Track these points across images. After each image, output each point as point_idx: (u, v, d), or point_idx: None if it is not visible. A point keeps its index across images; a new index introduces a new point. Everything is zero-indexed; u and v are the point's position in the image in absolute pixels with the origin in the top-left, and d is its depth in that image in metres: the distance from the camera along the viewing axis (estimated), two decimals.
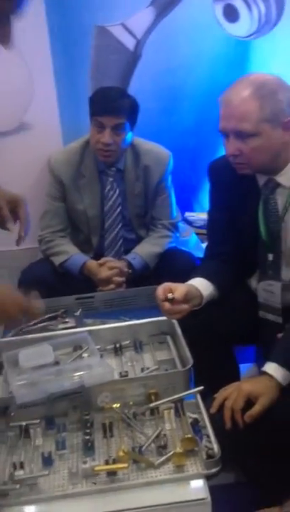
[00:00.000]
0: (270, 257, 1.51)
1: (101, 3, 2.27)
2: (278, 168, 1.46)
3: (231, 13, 2.36)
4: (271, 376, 1.24)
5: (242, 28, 2.38)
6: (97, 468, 1.07)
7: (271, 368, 1.25)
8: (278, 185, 1.48)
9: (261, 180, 1.51)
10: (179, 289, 1.44)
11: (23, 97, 2.33)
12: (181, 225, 2.27)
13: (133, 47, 2.36)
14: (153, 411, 1.22)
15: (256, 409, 1.19)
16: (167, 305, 1.42)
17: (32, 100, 2.34)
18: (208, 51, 2.39)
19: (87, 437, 1.15)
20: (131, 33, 2.33)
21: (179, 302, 1.43)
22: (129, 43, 2.35)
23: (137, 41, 2.35)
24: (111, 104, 1.87)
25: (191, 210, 2.61)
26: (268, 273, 1.52)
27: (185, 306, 1.45)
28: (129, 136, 1.95)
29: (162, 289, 1.44)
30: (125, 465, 1.06)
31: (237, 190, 1.54)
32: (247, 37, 2.40)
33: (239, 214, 1.55)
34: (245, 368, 1.94)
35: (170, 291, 1.43)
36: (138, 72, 2.38)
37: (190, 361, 1.29)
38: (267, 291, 1.53)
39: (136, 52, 2.36)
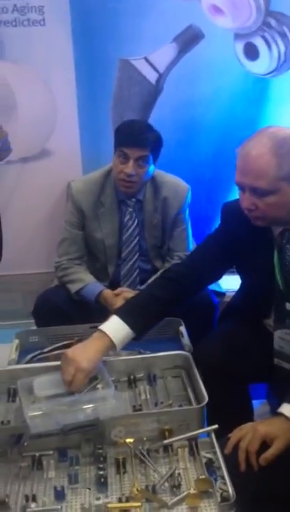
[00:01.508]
0: (288, 306, 1.48)
1: (126, 37, 2.33)
2: None
3: (251, 51, 2.42)
4: (287, 418, 1.23)
5: (261, 66, 2.43)
6: (110, 505, 1.06)
7: (288, 409, 1.24)
8: None
9: (277, 229, 1.49)
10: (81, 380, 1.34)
11: (47, 125, 2.40)
12: None
13: (155, 80, 2.41)
14: (167, 448, 1.21)
15: (272, 452, 1.18)
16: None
17: (54, 128, 2.40)
18: (227, 87, 2.44)
19: (101, 472, 1.15)
20: (153, 67, 2.39)
21: None
22: (151, 76, 2.41)
23: (159, 75, 2.41)
24: (137, 137, 1.90)
25: None
26: (285, 322, 1.50)
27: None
28: (152, 168, 1.98)
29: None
30: (138, 504, 1.06)
31: (249, 237, 1.52)
32: (266, 75, 2.45)
33: (251, 260, 1.54)
34: (256, 404, 1.93)
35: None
36: (158, 104, 2.44)
37: (205, 398, 1.29)
38: (284, 339, 1.50)
39: (157, 86, 2.42)
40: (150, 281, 1.97)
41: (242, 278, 1.69)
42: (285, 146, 1.33)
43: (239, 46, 2.40)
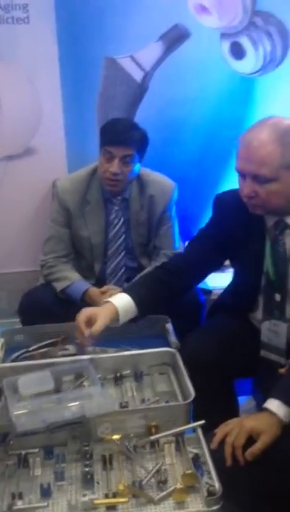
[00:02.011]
0: (277, 297, 1.50)
1: (111, 35, 2.33)
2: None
3: (237, 51, 2.43)
4: (273, 413, 1.24)
5: (247, 65, 2.45)
6: (96, 501, 1.06)
7: (274, 404, 1.24)
8: (287, 226, 1.49)
9: (270, 220, 1.51)
10: (97, 324, 1.44)
11: (31, 123, 2.38)
12: None
13: (141, 79, 2.41)
14: (154, 444, 1.21)
15: (258, 446, 1.18)
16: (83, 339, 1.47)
17: (39, 126, 2.39)
18: (213, 86, 2.45)
19: (87, 469, 1.14)
20: (139, 65, 2.39)
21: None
22: (137, 74, 2.40)
23: (145, 73, 2.40)
24: (122, 136, 1.90)
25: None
26: (274, 313, 1.52)
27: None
28: (137, 167, 1.98)
29: (83, 323, 1.46)
30: (125, 499, 1.06)
31: (241, 228, 1.54)
32: (252, 74, 2.47)
33: (242, 251, 1.56)
34: (242, 401, 1.93)
35: (90, 321, 1.45)
36: (144, 103, 2.44)
37: (192, 394, 1.29)
38: (272, 331, 1.52)
39: (143, 84, 2.42)
40: (147, 270, 1.96)
41: (234, 269, 1.70)
42: (288, 135, 1.36)
43: (226, 45, 2.42)
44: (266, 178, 1.37)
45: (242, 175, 1.43)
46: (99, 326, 1.43)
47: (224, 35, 2.39)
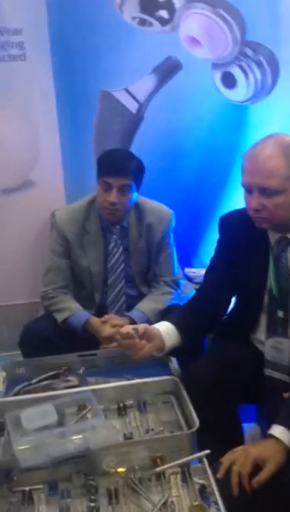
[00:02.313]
0: (280, 314, 1.52)
1: (105, 70, 2.38)
2: None
3: (229, 80, 2.48)
4: (278, 439, 1.22)
5: (239, 93, 2.49)
6: None
7: (278, 431, 1.23)
8: None
9: (273, 237, 1.54)
10: (139, 326, 1.55)
11: (29, 156, 2.41)
12: (182, 281, 2.30)
13: (136, 110, 2.46)
14: (159, 475, 1.20)
15: (264, 475, 1.17)
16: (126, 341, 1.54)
17: (38, 159, 2.42)
18: (207, 114, 2.49)
19: (92, 504, 1.13)
20: (134, 97, 2.44)
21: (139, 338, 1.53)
22: (132, 106, 2.45)
23: (140, 105, 2.45)
24: (118, 166, 1.93)
25: (191, 266, 2.64)
26: (277, 330, 1.53)
27: (144, 342, 1.54)
28: (135, 196, 2.00)
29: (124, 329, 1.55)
30: None
31: (246, 246, 1.57)
32: (244, 102, 2.52)
33: (246, 268, 1.58)
34: (247, 428, 1.91)
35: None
36: (140, 133, 2.47)
37: (196, 423, 1.28)
38: (276, 348, 1.53)
39: (138, 115, 2.46)
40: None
41: (237, 289, 1.71)
42: None
43: (217, 75, 2.47)
44: (273, 190, 1.41)
45: (249, 189, 1.46)
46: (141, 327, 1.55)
47: (215, 66, 2.44)
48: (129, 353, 1.55)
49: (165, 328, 1.59)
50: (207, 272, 1.77)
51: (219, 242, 1.71)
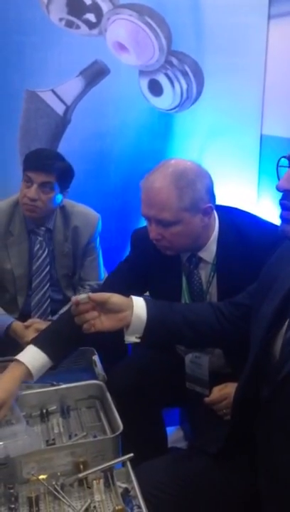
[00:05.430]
0: None
1: (31, 69, 2.34)
2: (201, 246, 1.51)
3: (155, 88, 2.53)
4: None
5: (165, 101, 2.55)
6: None
7: None
8: (200, 259, 1.53)
9: (184, 255, 1.55)
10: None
11: None
12: None
13: (63, 112, 2.44)
14: (82, 481, 1.18)
15: None
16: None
17: None
18: (134, 120, 2.52)
19: None
20: (60, 99, 2.42)
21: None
22: (59, 108, 2.43)
23: (67, 107, 2.43)
24: (42, 162, 1.90)
25: None
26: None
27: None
28: (59, 197, 1.97)
29: None
30: None
31: (158, 264, 1.56)
32: (170, 110, 2.57)
33: (159, 288, 1.58)
34: (170, 431, 1.94)
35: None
36: (67, 135, 2.45)
37: (120, 427, 1.27)
38: (195, 363, 1.54)
39: (65, 117, 2.44)
40: (62, 311, 1.94)
41: None
42: (184, 179, 1.39)
43: (144, 82, 2.50)
44: (168, 221, 1.40)
45: (147, 220, 1.46)
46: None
47: (142, 73, 2.48)
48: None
49: (30, 358, 1.39)
50: (109, 276, 1.72)
51: (131, 255, 1.69)
